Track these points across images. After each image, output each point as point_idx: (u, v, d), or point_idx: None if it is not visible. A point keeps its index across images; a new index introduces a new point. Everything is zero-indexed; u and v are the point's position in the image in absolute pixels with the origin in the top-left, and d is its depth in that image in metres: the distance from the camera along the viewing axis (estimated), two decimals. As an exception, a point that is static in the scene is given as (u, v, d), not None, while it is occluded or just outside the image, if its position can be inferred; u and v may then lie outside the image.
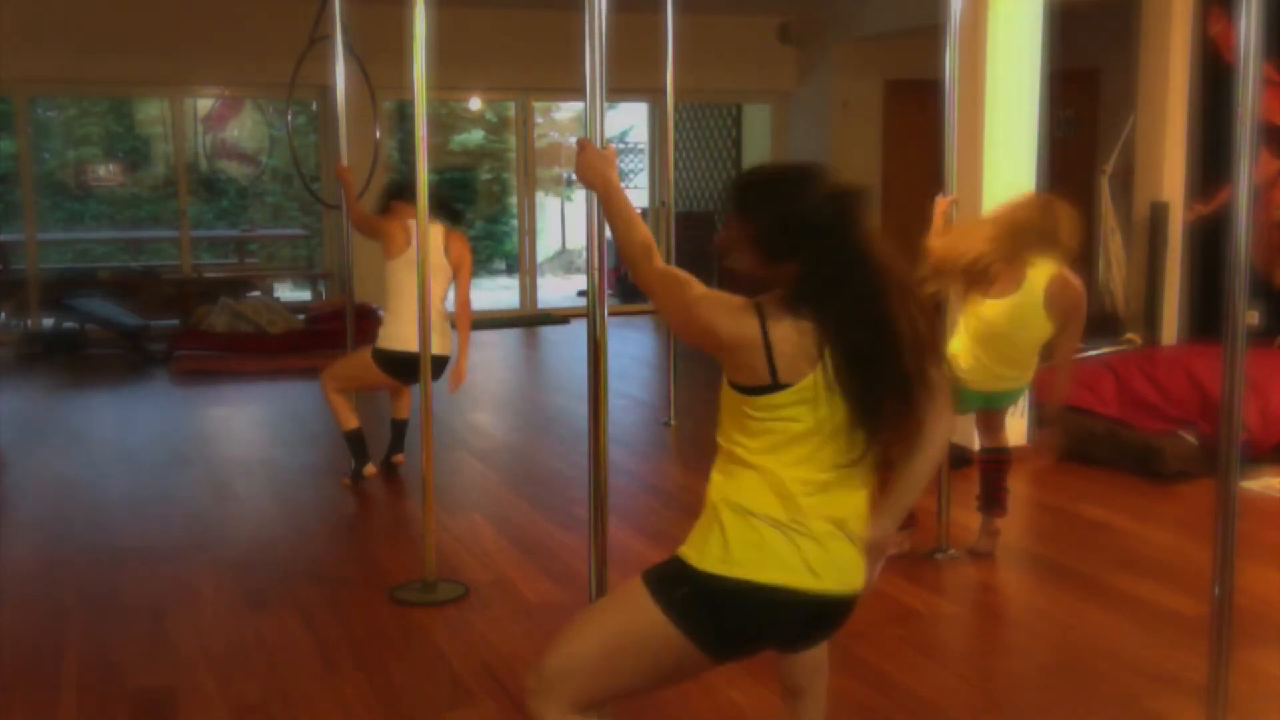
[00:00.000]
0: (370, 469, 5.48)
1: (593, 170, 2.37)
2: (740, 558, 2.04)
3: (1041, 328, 4.07)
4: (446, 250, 5.20)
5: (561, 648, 2.17)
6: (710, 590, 2.05)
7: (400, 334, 5.07)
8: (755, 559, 2.04)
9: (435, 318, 5.05)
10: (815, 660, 2.48)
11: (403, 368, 5.12)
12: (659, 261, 2.23)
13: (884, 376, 2.04)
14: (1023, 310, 4.04)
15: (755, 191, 2.13)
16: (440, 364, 5.08)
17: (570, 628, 2.23)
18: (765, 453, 2.07)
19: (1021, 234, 4.00)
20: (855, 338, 2.02)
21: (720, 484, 2.12)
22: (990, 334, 4.10)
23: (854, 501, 2.13)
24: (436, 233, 5.16)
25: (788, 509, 2.05)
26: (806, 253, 2.03)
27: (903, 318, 2.04)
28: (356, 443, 5.43)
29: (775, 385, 2.03)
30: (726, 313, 2.06)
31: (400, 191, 5.28)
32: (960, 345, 4.18)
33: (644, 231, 2.25)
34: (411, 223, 5.04)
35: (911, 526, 4.37)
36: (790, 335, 2.02)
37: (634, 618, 2.10)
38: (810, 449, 2.06)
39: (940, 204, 4.27)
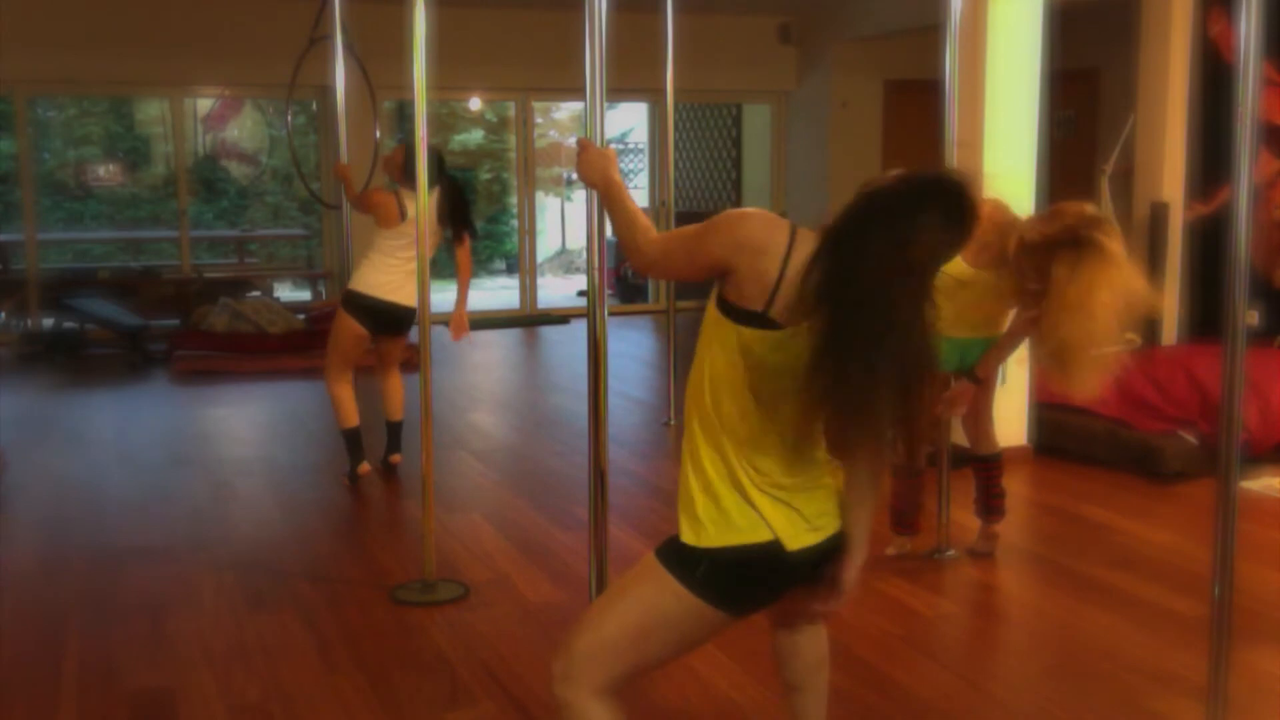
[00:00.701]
0: (365, 467, 5.48)
1: (594, 169, 2.38)
2: (723, 527, 2.09)
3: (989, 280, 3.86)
4: (443, 216, 5.23)
5: (587, 632, 2.19)
6: (719, 560, 2.09)
7: (374, 280, 5.20)
8: (735, 524, 2.08)
9: (411, 270, 5.09)
10: (815, 656, 2.49)
11: (376, 315, 5.24)
12: (656, 235, 2.23)
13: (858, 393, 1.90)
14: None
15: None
16: (413, 316, 5.15)
17: (593, 612, 2.25)
18: (732, 394, 2.05)
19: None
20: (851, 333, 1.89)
21: (682, 469, 2.18)
22: (953, 287, 3.77)
23: (819, 465, 2.14)
24: (433, 199, 5.19)
25: (734, 475, 2.09)
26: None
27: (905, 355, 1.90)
28: (353, 441, 5.44)
29: (763, 318, 1.98)
30: (757, 219, 2.02)
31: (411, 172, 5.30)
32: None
33: (646, 224, 2.26)
34: (408, 198, 5.09)
35: (913, 532, 4.37)
36: (805, 254, 1.93)
37: (661, 596, 2.13)
38: (768, 404, 2.05)
39: None
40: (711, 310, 2.09)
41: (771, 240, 1.99)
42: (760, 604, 2.24)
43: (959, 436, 4.55)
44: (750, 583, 2.14)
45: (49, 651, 3.60)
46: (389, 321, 5.34)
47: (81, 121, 13.62)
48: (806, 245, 1.95)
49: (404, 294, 5.19)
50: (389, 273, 5.25)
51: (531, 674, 3.40)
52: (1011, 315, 4.04)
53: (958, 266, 3.86)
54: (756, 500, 2.08)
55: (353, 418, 5.40)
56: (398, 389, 5.62)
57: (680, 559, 2.12)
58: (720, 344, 2.07)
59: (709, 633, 2.20)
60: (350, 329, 5.32)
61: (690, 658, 3.11)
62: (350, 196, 5.53)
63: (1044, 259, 3.50)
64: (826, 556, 2.17)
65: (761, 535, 2.08)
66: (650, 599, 2.14)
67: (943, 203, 1.87)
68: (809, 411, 1.99)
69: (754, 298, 1.99)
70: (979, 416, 4.30)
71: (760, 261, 1.98)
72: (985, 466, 4.38)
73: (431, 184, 5.19)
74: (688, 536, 2.12)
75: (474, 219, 5.53)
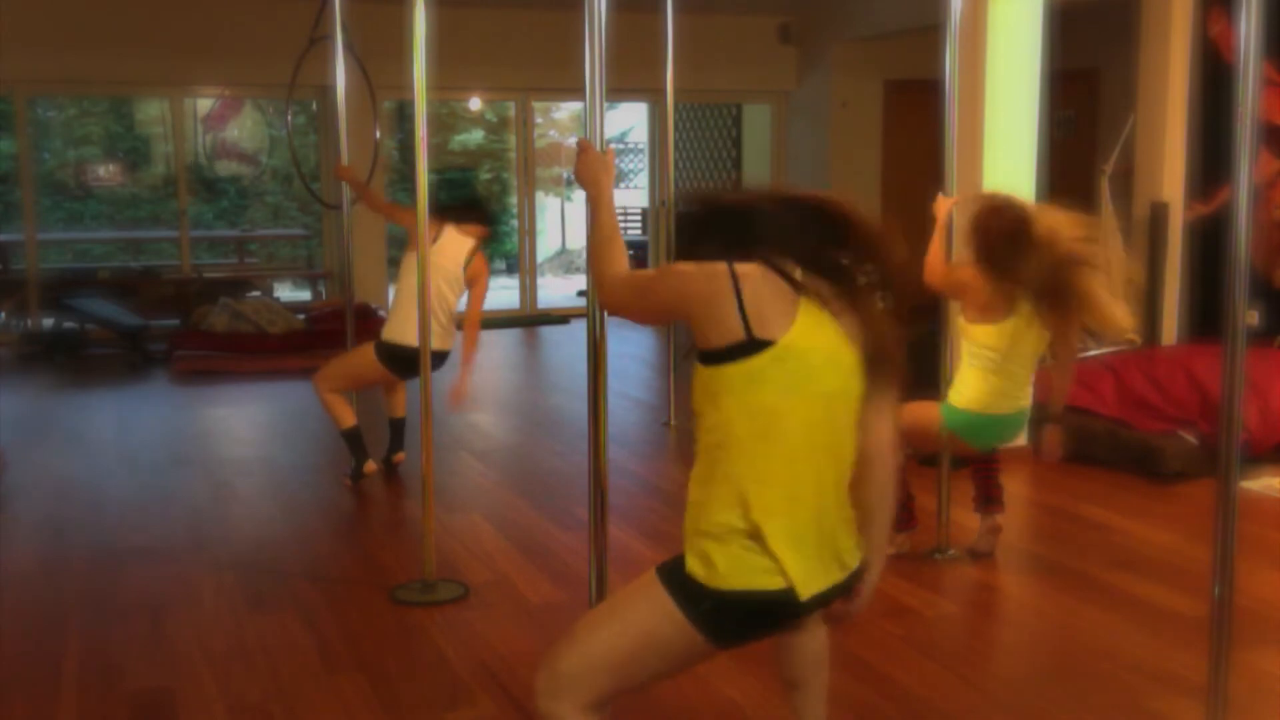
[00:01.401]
0: (370, 466, 5.48)
1: (588, 173, 2.39)
2: (737, 569, 2.03)
3: (1037, 340, 3.98)
4: (466, 263, 5.22)
5: (576, 648, 2.15)
6: (727, 601, 2.04)
7: (406, 329, 5.09)
8: (751, 567, 2.02)
9: (443, 317, 5.13)
10: (817, 653, 2.48)
11: (404, 363, 5.15)
12: (625, 269, 2.25)
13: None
14: (1016, 329, 3.93)
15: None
16: (439, 358, 5.11)
17: (583, 628, 2.21)
18: (738, 437, 2.03)
19: (992, 247, 3.82)
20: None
21: (692, 506, 2.10)
22: (997, 360, 3.96)
23: (837, 496, 2.13)
24: (463, 244, 5.20)
25: (751, 520, 2.02)
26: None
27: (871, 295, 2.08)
28: (355, 441, 5.43)
29: (750, 343, 1.99)
30: (693, 267, 2.06)
31: (462, 214, 5.34)
32: (970, 380, 4.03)
33: (619, 254, 2.27)
34: (446, 226, 5.11)
35: (911, 528, 4.37)
36: (760, 287, 2.01)
37: (657, 621, 2.08)
38: (787, 426, 2.03)
39: (941, 207, 4.25)
40: (703, 371, 2.07)
41: (712, 288, 2.02)
42: (758, 640, 2.23)
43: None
44: (754, 625, 2.12)
45: (49, 651, 3.60)
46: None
47: (81, 121, 13.62)
48: (746, 268, 2.03)
49: (439, 340, 5.06)
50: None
51: (531, 674, 3.36)
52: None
53: (990, 337, 3.94)
54: (776, 547, 2.02)
55: (348, 418, 5.40)
56: (400, 386, 5.62)
57: (685, 590, 2.06)
58: (729, 394, 2.04)
59: (696, 661, 2.17)
60: (377, 371, 5.30)
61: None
62: (368, 198, 5.54)
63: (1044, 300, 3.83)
64: (840, 592, 2.15)
65: (775, 583, 2.02)
66: (644, 622, 2.10)
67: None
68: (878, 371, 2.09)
69: (730, 333, 2.01)
70: None
71: (713, 309, 2.02)
72: (984, 463, 4.39)
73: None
74: (697, 572, 2.05)
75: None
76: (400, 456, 5.66)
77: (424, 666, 3.51)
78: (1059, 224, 3.79)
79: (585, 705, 2.12)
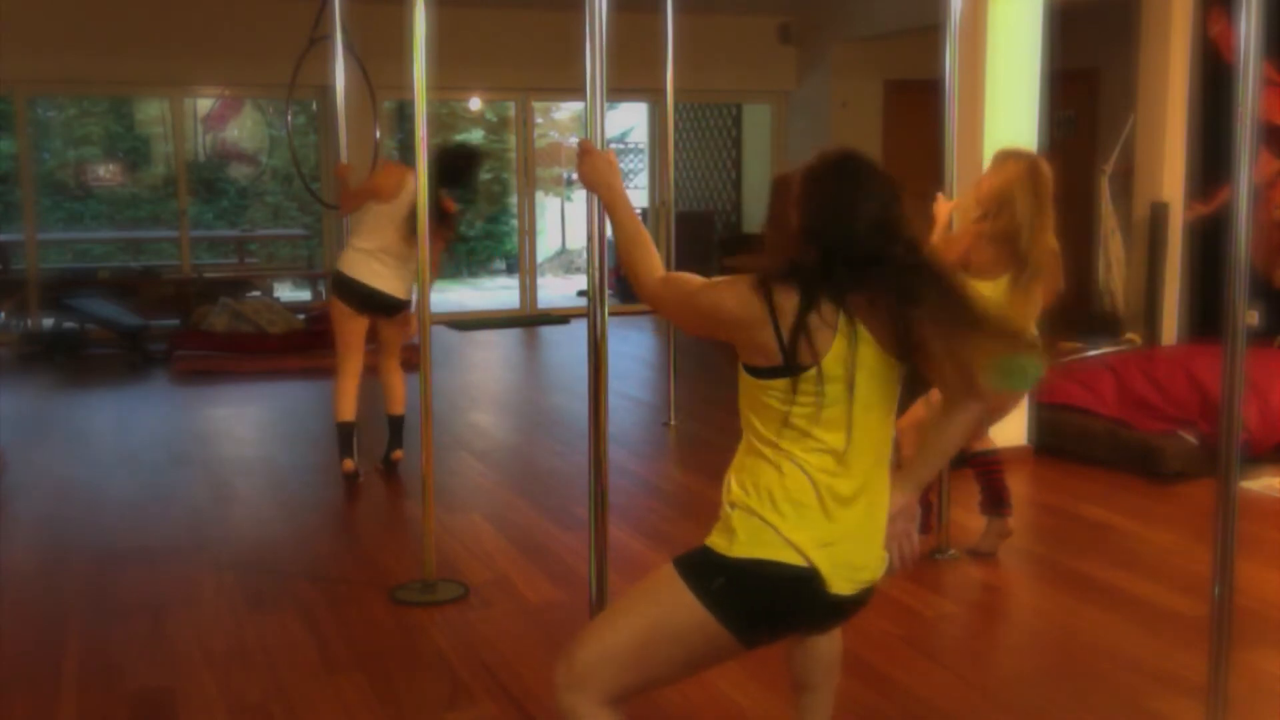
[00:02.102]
0: (348, 464, 5.45)
1: (598, 175, 2.37)
2: (757, 540, 2.04)
3: (1036, 301, 3.95)
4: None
5: (594, 640, 2.14)
6: (743, 575, 2.04)
7: (357, 264, 5.28)
8: (773, 541, 2.03)
9: (393, 261, 5.29)
10: (830, 657, 2.48)
11: (359, 298, 5.30)
12: (660, 269, 2.24)
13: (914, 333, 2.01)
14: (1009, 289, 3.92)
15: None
16: (393, 305, 5.34)
17: (602, 620, 2.22)
18: (782, 441, 2.06)
19: (1010, 204, 3.88)
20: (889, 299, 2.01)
21: (737, 477, 2.12)
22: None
23: (874, 499, 2.12)
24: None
25: (801, 501, 2.04)
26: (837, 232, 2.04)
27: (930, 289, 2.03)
28: (343, 435, 5.43)
29: (790, 367, 2.01)
30: (730, 288, 2.06)
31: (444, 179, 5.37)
32: None
33: (649, 250, 2.26)
34: (406, 175, 5.20)
35: (927, 531, 4.35)
36: (796, 318, 2.00)
37: (672, 609, 2.08)
38: (827, 438, 2.04)
39: (941, 209, 4.25)
40: (747, 380, 2.09)
41: (749, 314, 2.03)
42: (774, 635, 2.19)
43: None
44: (769, 606, 2.09)
45: (49, 651, 3.60)
46: (374, 306, 5.37)
47: (81, 121, 13.62)
48: (784, 300, 2.01)
49: (390, 284, 5.30)
50: (364, 264, 5.31)
51: (531, 674, 3.40)
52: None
53: (987, 290, 3.88)
54: (799, 538, 2.03)
55: (344, 412, 5.39)
56: (398, 382, 5.61)
57: (700, 569, 2.07)
58: (772, 405, 2.06)
59: (715, 656, 2.15)
60: (345, 315, 5.37)
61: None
62: (346, 198, 5.52)
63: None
64: (859, 603, 2.14)
65: (794, 558, 2.03)
66: (660, 610, 2.10)
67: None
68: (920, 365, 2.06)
69: (768, 357, 2.03)
70: None
71: (751, 334, 2.03)
72: (986, 463, 4.38)
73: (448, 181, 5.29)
74: (717, 544, 2.08)
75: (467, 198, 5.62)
76: (399, 454, 5.66)
77: (424, 666, 3.51)
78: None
79: (604, 698, 2.10)
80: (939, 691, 3.31)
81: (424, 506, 4.07)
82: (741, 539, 2.04)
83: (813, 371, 2.01)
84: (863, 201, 2.04)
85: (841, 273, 2.01)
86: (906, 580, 4.13)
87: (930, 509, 4.39)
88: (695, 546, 2.14)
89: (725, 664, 3.36)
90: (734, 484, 2.11)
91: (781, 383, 2.03)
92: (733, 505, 2.09)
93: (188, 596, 4.07)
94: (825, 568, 2.04)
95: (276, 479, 5.69)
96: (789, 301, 2.01)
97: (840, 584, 2.06)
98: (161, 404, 7.62)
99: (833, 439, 2.05)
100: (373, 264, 5.28)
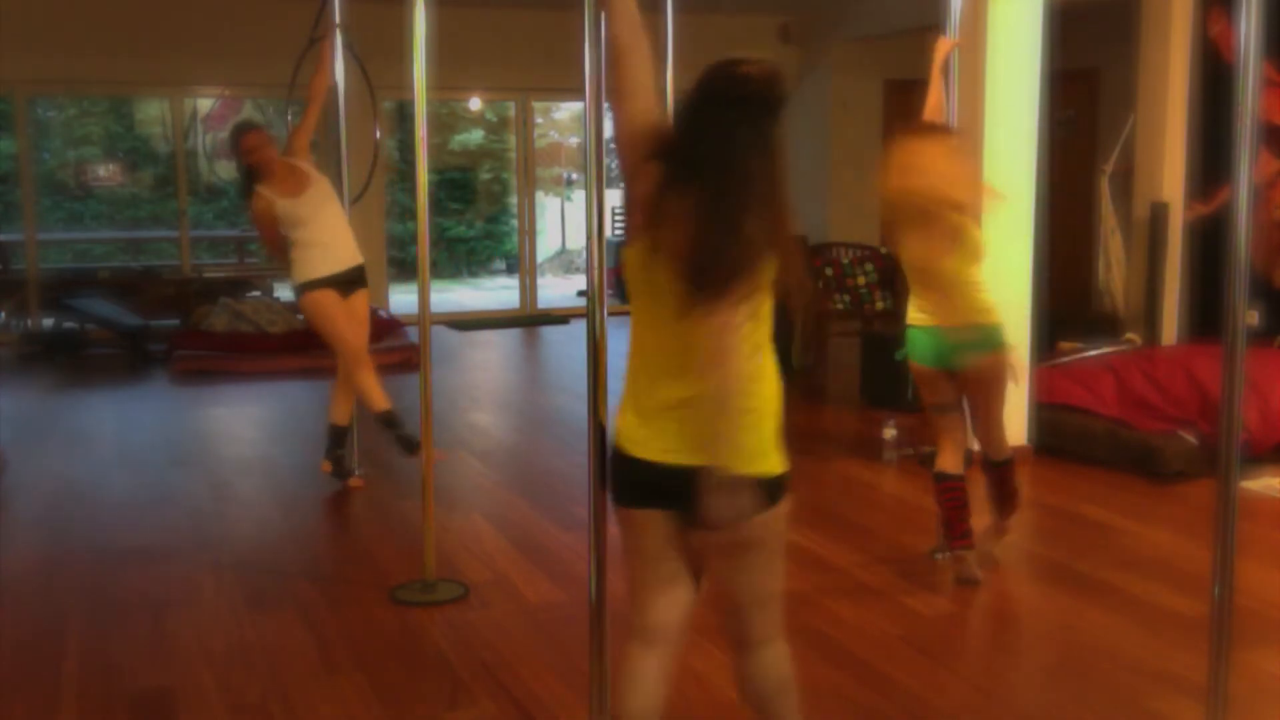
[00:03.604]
0: (326, 465, 5.43)
1: None
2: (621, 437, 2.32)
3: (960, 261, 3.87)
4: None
5: None
6: (614, 456, 2.36)
7: (316, 261, 5.30)
8: (621, 433, 2.32)
9: (343, 234, 5.34)
10: (778, 680, 2.45)
11: (339, 285, 5.27)
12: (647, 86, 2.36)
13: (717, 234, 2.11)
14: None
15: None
16: (362, 269, 5.38)
17: None
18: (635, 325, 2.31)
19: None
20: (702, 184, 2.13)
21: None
22: (919, 269, 3.89)
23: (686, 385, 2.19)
24: (301, 169, 5.29)
25: (635, 391, 2.31)
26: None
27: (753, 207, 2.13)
28: (333, 437, 5.41)
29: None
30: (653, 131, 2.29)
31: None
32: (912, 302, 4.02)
33: (646, 83, 2.36)
34: (299, 163, 5.27)
35: (1010, 512, 4.31)
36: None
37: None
38: (649, 316, 2.26)
39: (941, 47, 4.21)
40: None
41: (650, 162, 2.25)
42: (632, 499, 2.34)
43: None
44: (628, 481, 2.34)
45: (49, 651, 3.60)
46: (351, 281, 5.34)
47: (81, 121, 13.62)
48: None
49: (346, 255, 5.33)
50: (320, 257, 5.31)
51: (531, 674, 3.40)
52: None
53: (930, 263, 3.83)
54: (630, 419, 2.30)
55: (340, 416, 5.36)
56: (369, 373, 5.22)
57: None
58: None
59: (641, 540, 2.35)
60: (317, 302, 5.28)
61: (689, 656, 3.10)
62: (264, 239, 5.56)
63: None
64: (678, 482, 2.17)
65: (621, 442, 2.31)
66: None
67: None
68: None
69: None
70: (991, 422, 4.16)
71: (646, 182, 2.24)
72: (999, 470, 4.32)
73: None
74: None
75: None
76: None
77: (424, 666, 3.51)
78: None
79: (631, 630, 2.44)
80: (939, 691, 3.31)
81: (424, 506, 4.07)
82: (618, 438, 2.39)
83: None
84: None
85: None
86: (906, 580, 4.13)
87: (1013, 495, 4.32)
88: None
89: (721, 660, 3.37)
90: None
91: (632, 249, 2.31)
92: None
93: (187, 596, 4.07)
94: (629, 435, 2.31)
95: (276, 479, 5.69)
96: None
97: (641, 449, 2.28)
98: (161, 404, 7.62)
99: (654, 320, 2.32)
100: (326, 251, 5.26)
